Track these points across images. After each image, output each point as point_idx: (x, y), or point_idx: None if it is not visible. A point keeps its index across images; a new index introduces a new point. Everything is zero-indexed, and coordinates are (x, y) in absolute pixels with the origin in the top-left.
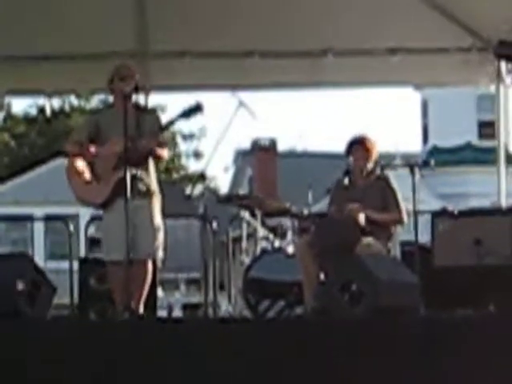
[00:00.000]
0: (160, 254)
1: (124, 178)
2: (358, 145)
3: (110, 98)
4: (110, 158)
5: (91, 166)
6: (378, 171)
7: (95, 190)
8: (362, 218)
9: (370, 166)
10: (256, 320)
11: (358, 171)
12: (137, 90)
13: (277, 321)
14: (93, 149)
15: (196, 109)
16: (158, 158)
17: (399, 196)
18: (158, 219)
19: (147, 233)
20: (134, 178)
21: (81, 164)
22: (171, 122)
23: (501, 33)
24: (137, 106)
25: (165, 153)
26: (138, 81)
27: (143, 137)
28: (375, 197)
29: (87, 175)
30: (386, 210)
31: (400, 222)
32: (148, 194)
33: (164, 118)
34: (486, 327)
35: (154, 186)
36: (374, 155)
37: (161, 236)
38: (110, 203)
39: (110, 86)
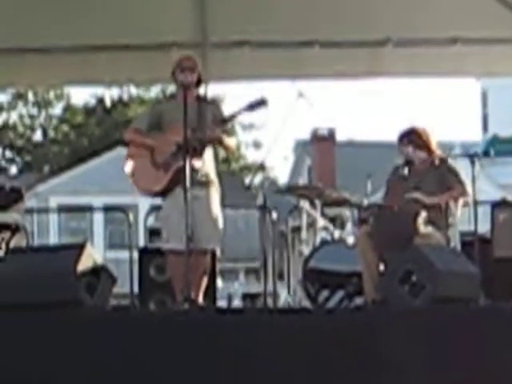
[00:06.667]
0: (219, 244)
1: (183, 168)
2: (413, 135)
3: (169, 88)
4: (170, 147)
5: (151, 154)
6: (436, 161)
7: (154, 178)
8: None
9: (425, 155)
10: (315, 310)
11: (416, 161)
12: (199, 81)
13: (336, 311)
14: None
15: (261, 103)
16: (226, 148)
17: (459, 172)
18: (216, 209)
19: (206, 223)
20: (192, 167)
21: (140, 152)
22: (235, 115)
23: None
24: (199, 97)
25: (233, 142)
26: (201, 72)
27: (204, 127)
28: (433, 181)
29: (146, 163)
30: (447, 190)
31: (464, 194)
32: (206, 184)
33: (225, 109)
34: None
35: (213, 176)
36: (431, 145)
37: (219, 226)
38: (168, 192)
39: (172, 78)
